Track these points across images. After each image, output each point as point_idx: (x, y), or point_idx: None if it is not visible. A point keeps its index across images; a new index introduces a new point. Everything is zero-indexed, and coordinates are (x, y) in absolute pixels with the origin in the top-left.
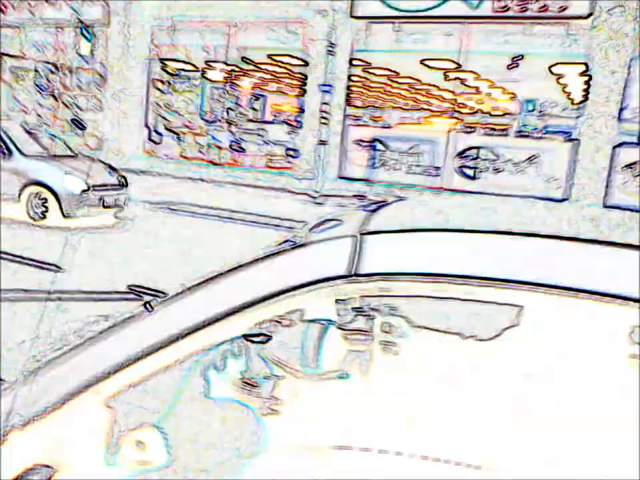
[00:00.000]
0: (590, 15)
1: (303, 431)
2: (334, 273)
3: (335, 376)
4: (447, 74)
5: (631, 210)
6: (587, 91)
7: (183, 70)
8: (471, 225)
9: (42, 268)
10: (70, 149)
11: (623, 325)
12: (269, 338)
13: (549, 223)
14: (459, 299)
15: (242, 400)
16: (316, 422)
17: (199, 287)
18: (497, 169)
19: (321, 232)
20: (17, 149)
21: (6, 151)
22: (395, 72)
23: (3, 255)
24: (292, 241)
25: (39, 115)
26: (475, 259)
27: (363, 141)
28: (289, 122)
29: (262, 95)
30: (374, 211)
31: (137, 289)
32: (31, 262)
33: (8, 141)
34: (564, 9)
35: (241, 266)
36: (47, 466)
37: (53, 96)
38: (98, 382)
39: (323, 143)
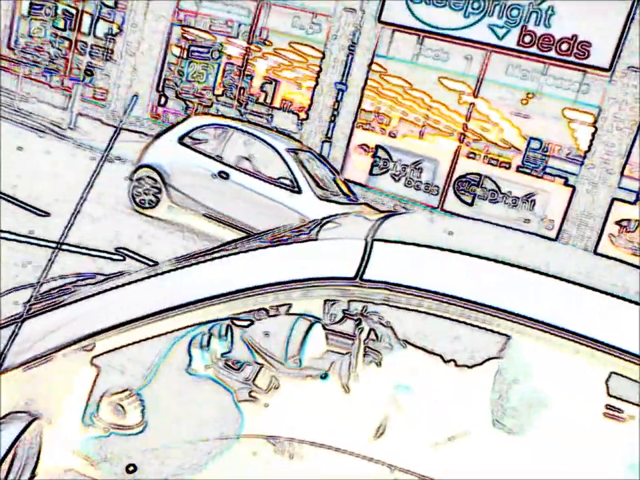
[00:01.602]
0: (610, 68)
1: (276, 421)
2: (342, 273)
3: (316, 374)
4: (460, 96)
5: (620, 261)
6: (592, 140)
7: (203, 39)
8: (479, 251)
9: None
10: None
11: (602, 372)
12: (251, 323)
13: (548, 260)
14: (453, 319)
15: (220, 381)
16: (290, 414)
17: (204, 260)
18: (493, 200)
19: (322, 231)
20: (310, 187)
21: (295, 188)
22: (409, 83)
23: None
24: (305, 232)
25: (51, 58)
26: (477, 284)
27: (367, 146)
28: (297, 112)
29: (275, 80)
30: (383, 219)
31: (123, 251)
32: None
33: (300, 177)
34: (586, 57)
35: (251, 249)
36: (28, 413)
37: (67, 39)
38: (87, 339)
39: (328, 140)
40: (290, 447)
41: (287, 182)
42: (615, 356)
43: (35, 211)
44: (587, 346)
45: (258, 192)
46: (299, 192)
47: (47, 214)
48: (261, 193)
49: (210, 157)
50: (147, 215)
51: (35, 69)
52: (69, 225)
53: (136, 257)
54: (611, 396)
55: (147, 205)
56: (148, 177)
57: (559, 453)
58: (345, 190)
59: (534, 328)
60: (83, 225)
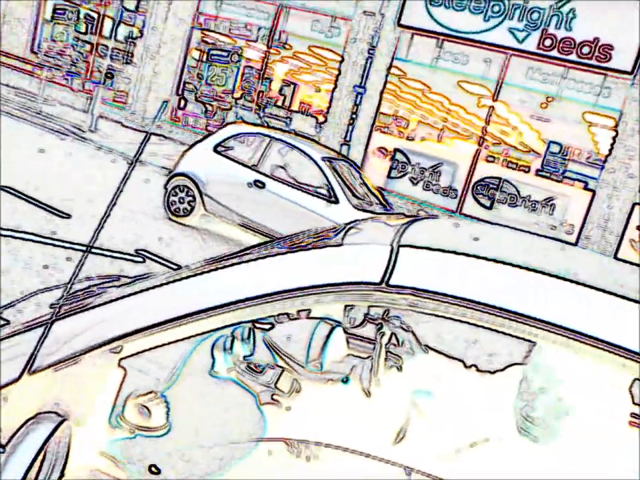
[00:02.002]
0: (633, 71)
1: (298, 424)
2: (369, 279)
3: (337, 378)
4: (479, 99)
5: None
6: (613, 144)
7: (223, 43)
8: (504, 256)
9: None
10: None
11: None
12: (272, 326)
13: (572, 265)
14: (477, 325)
15: (243, 383)
16: (311, 417)
17: (229, 265)
18: (513, 204)
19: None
20: (346, 197)
21: (332, 198)
22: (428, 86)
23: None
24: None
25: (72, 61)
26: (502, 290)
27: (385, 150)
28: (315, 115)
29: (293, 84)
30: (408, 224)
31: (144, 253)
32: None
33: (337, 187)
34: (608, 60)
35: (277, 254)
36: (57, 414)
37: (89, 42)
38: (115, 341)
39: (346, 143)
40: (307, 449)
41: (323, 191)
42: (638, 362)
43: (56, 212)
44: (611, 352)
45: (294, 201)
46: (336, 202)
47: (68, 216)
48: (297, 203)
49: (246, 165)
50: (181, 224)
51: (58, 72)
52: (99, 228)
53: (156, 259)
54: (635, 404)
55: (181, 214)
56: (183, 185)
57: (583, 461)
58: (380, 199)
59: (558, 334)
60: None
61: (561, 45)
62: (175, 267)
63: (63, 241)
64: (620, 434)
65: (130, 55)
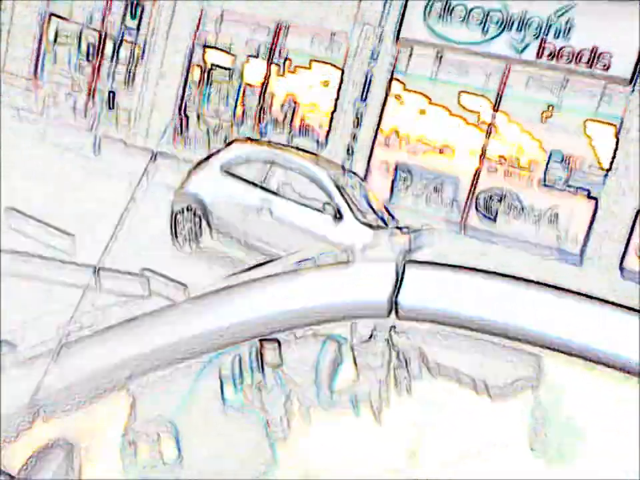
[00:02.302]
0: (632, 80)
1: (309, 451)
2: (376, 299)
3: (347, 405)
4: (480, 110)
5: None
6: (615, 152)
7: (224, 60)
8: (512, 271)
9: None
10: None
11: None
12: (280, 346)
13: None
14: (484, 340)
15: (252, 408)
16: (322, 443)
17: (234, 288)
18: (516, 215)
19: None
20: (352, 213)
21: (338, 215)
22: (428, 98)
23: None
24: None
25: (75, 82)
26: (510, 306)
27: (387, 164)
28: (317, 131)
29: (295, 100)
30: (413, 240)
31: (149, 274)
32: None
33: (342, 204)
34: (607, 68)
35: (282, 273)
36: (67, 442)
37: (91, 62)
38: (128, 380)
39: (348, 158)
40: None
41: (329, 208)
42: None
43: (59, 232)
44: (620, 370)
45: (301, 220)
46: (341, 218)
47: (71, 235)
48: (303, 220)
49: (252, 183)
50: (188, 246)
51: (60, 93)
52: (107, 249)
53: (161, 278)
54: None
55: (188, 236)
56: (189, 207)
57: (593, 477)
58: (385, 213)
59: (565, 352)
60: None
61: (559, 54)
62: (181, 285)
63: (67, 262)
64: (628, 450)
65: (132, 74)
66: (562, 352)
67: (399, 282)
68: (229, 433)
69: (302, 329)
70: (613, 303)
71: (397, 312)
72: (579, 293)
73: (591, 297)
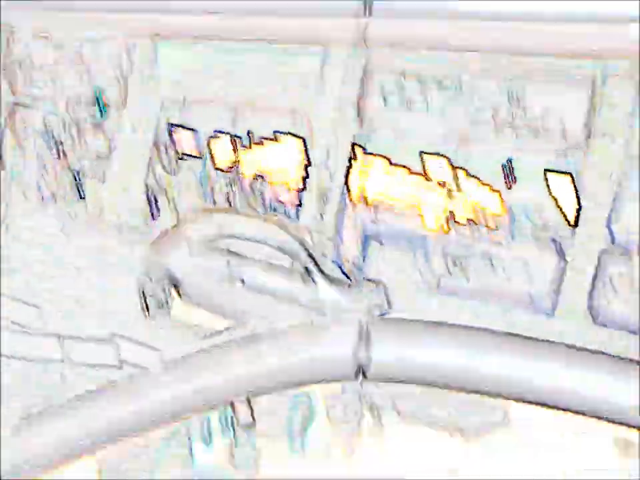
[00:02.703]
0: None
1: None
2: (340, 357)
3: (319, 453)
4: (439, 167)
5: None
6: (578, 204)
7: (188, 148)
8: (480, 323)
9: None
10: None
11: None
12: (250, 404)
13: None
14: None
15: (225, 470)
16: None
17: (194, 356)
18: (487, 272)
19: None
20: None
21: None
22: (388, 159)
23: None
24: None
25: (42, 175)
26: (477, 359)
27: (356, 224)
28: (287, 202)
29: (262, 177)
30: (382, 297)
31: (118, 338)
32: None
33: (312, 267)
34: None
35: (248, 338)
36: None
37: (58, 153)
38: (96, 448)
39: (320, 228)
40: None
41: (298, 268)
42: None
43: (26, 304)
44: (591, 416)
45: (271, 284)
46: (310, 278)
47: (37, 307)
48: (273, 285)
49: (224, 255)
50: (157, 314)
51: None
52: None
53: (131, 342)
54: None
55: (157, 305)
56: (158, 275)
57: None
58: (356, 271)
59: (532, 402)
60: (73, 311)
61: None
62: (153, 350)
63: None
64: None
65: (100, 169)
66: (534, 404)
67: (366, 341)
68: None
69: (269, 393)
70: (586, 349)
71: (364, 373)
72: (551, 342)
73: (565, 345)
